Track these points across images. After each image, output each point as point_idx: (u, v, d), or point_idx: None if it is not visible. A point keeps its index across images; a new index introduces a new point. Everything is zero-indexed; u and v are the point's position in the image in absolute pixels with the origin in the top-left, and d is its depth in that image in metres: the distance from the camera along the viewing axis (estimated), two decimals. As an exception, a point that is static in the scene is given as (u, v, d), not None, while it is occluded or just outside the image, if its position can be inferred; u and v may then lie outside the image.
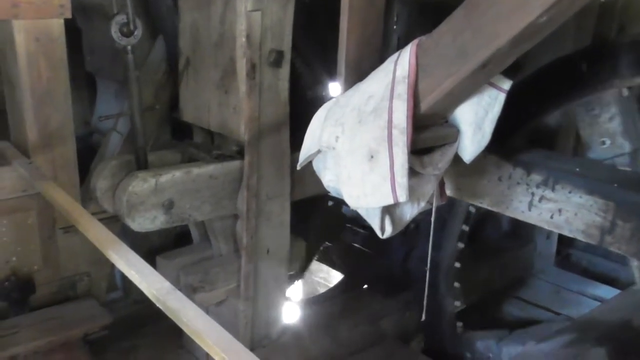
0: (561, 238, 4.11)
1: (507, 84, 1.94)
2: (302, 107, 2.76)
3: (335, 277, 4.89)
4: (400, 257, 3.71)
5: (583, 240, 2.22)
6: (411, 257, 3.59)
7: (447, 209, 3.11)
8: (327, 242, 4.20)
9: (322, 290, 5.06)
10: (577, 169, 2.29)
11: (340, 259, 4.34)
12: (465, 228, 3.29)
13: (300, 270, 3.70)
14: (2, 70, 2.80)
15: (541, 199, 2.29)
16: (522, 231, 3.98)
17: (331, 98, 2.10)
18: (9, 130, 2.89)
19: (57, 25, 2.62)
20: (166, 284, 1.71)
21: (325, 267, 5.11)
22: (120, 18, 2.44)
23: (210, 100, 2.70)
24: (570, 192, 2.21)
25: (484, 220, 3.90)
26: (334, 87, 3.22)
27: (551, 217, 2.27)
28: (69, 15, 2.62)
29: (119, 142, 3.07)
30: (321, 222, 3.82)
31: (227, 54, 2.54)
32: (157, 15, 2.94)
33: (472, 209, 3.24)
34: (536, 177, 2.31)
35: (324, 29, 2.92)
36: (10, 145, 2.80)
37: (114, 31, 2.44)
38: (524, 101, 2.59)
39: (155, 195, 2.48)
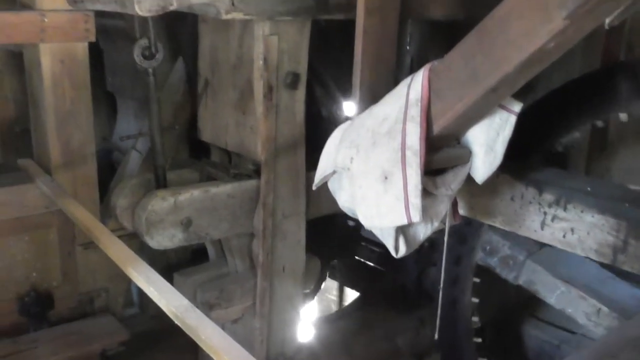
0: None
1: (517, 107, 1.98)
2: (317, 127, 2.82)
3: (349, 295, 4.91)
4: (414, 275, 3.73)
5: (596, 259, 2.24)
6: (426, 274, 3.61)
7: (466, 223, 3.12)
8: (341, 260, 4.23)
9: (336, 308, 5.09)
10: (589, 189, 2.31)
11: (355, 277, 4.36)
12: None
13: (314, 289, 3.73)
14: (28, 90, 2.89)
15: (553, 218, 2.32)
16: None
17: (346, 118, 2.15)
18: (33, 149, 2.97)
19: (81, 48, 2.71)
20: (184, 302, 1.75)
21: (339, 285, 5.14)
22: (143, 42, 2.51)
23: (228, 121, 2.75)
24: (582, 212, 2.23)
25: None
26: (349, 107, 3.27)
27: (564, 237, 2.29)
28: (93, 38, 2.70)
29: (139, 161, 3.13)
30: (336, 240, 3.85)
31: (245, 76, 2.60)
32: (177, 38, 3.01)
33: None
34: (548, 197, 2.33)
35: (338, 50, 2.98)
36: (34, 163, 2.88)
37: (137, 54, 2.51)
38: (538, 122, 2.62)
39: (174, 213, 2.54)
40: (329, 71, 3.36)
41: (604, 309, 2.64)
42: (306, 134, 2.75)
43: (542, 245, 2.76)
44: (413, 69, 2.85)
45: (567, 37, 1.57)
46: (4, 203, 2.69)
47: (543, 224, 2.37)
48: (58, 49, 2.66)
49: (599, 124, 2.90)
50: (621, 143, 3.96)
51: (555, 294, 2.80)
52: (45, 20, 2.59)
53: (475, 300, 3.27)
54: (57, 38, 2.63)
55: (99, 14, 2.70)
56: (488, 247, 3.03)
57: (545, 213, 2.36)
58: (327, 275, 4.04)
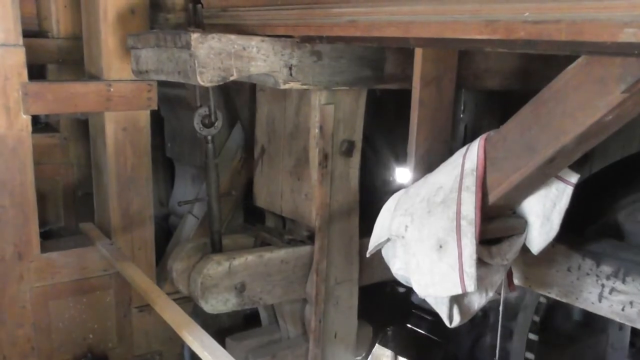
0: (634, 330, 3.97)
1: (574, 178, 1.97)
2: (371, 194, 2.84)
3: (400, 363, 4.82)
4: (467, 345, 3.66)
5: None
6: (479, 345, 3.54)
7: (518, 298, 3.08)
8: (394, 328, 4.18)
9: (387, 376, 4.98)
10: (647, 261, 2.26)
11: (408, 346, 4.29)
12: (536, 318, 3.24)
13: (366, 356, 3.68)
14: (92, 156, 3.00)
15: (612, 290, 2.27)
16: (594, 321, 3.87)
17: (400, 186, 2.17)
18: (94, 212, 3.06)
19: (143, 116, 2.82)
20: (238, 366, 1.77)
21: (390, 353, 5.05)
22: (203, 110, 2.59)
23: (283, 187, 2.80)
24: (641, 285, 2.18)
25: (554, 309, 3.82)
26: (402, 174, 3.29)
27: (622, 310, 2.23)
28: (155, 107, 2.81)
29: (195, 226, 3.20)
30: (388, 307, 3.82)
31: (301, 143, 2.66)
32: (235, 106, 3.11)
33: (543, 299, 3.19)
34: (606, 269, 2.29)
35: (393, 118, 3.02)
36: (94, 227, 2.97)
37: (197, 122, 2.59)
38: (596, 194, 2.60)
39: (228, 278, 2.57)
40: (383, 139, 3.41)
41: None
42: (360, 201, 2.77)
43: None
44: (466, 138, 2.87)
45: (625, 110, 1.57)
46: (65, 265, 2.77)
47: (601, 297, 2.31)
48: (122, 116, 2.78)
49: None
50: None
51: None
52: (111, 90, 2.71)
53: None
54: (122, 107, 2.75)
55: (161, 84, 2.82)
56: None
57: (603, 285, 2.31)
58: (378, 342, 3.98)
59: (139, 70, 2.53)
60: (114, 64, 2.74)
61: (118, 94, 2.71)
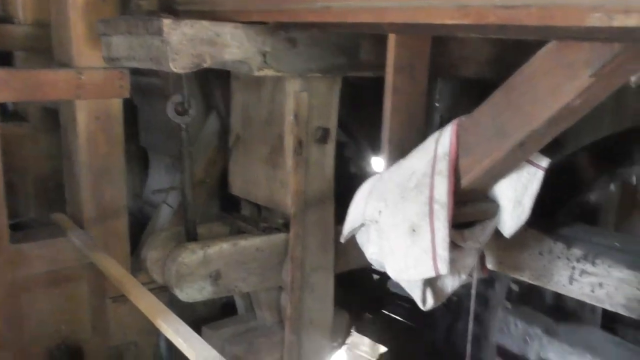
0: (605, 312, 4.04)
1: (545, 162, 2.00)
2: (346, 182, 2.85)
3: (378, 350, 4.85)
4: (443, 330, 3.70)
5: (624, 314, 2.22)
6: (454, 330, 3.58)
7: (488, 285, 3.12)
8: (369, 315, 4.21)
9: (364, 363, 5.02)
10: (617, 244, 2.31)
11: (384, 332, 4.32)
12: (508, 305, 3.28)
13: (342, 342, 3.70)
14: (63, 146, 2.96)
15: (582, 273, 2.31)
16: (566, 305, 3.93)
17: (374, 173, 2.18)
18: (66, 203, 3.03)
19: (116, 105, 2.79)
20: (213, 353, 1.77)
21: (368, 341, 5.09)
22: (176, 98, 2.58)
23: (258, 175, 2.80)
24: (610, 267, 2.22)
25: (526, 294, 3.87)
26: (377, 163, 3.30)
27: (592, 291, 2.28)
28: (127, 95, 2.78)
29: (170, 215, 3.18)
30: (363, 294, 3.84)
31: (276, 131, 2.65)
32: (209, 94, 3.09)
33: (514, 287, 3.23)
34: (576, 252, 2.33)
35: (369, 107, 3.03)
36: (66, 217, 2.93)
37: (170, 110, 2.57)
38: (567, 178, 2.64)
39: (203, 266, 2.56)
40: (360, 127, 3.41)
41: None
42: (335, 189, 2.78)
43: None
44: (442, 127, 2.89)
45: (593, 94, 1.60)
46: (37, 256, 2.74)
47: (571, 279, 2.36)
48: (93, 105, 2.74)
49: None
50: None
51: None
52: (82, 77, 2.67)
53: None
54: (93, 95, 2.71)
55: (134, 72, 2.79)
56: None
57: (573, 268, 2.35)
58: (355, 329, 4.01)
59: (110, 57, 2.50)
60: (84, 51, 2.69)
61: (89, 81, 2.67)
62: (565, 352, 2.83)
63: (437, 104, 3.34)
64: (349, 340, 3.95)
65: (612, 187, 3.08)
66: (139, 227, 3.33)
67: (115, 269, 2.45)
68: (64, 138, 2.93)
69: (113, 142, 2.82)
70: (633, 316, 2.19)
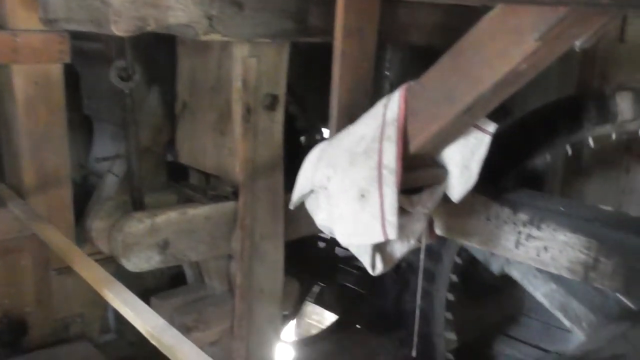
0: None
1: (492, 127, 2.02)
2: (296, 150, 2.83)
3: (329, 318, 4.90)
4: (393, 295, 3.74)
5: (568, 276, 2.28)
6: (404, 295, 3.62)
7: (441, 244, 3.15)
8: (320, 283, 4.23)
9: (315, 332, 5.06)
10: (562, 209, 2.36)
11: (334, 300, 4.35)
12: (459, 261, 3.33)
13: (293, 311, 3.72)
14: (0, 112, 2.85)
15: (528, 237, 2.35)
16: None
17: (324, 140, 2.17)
18: (4, 172, 2.93)
19: (56, 70, 2.68)
20: (161, 321, 1.74)
21: (318, 309, 5.13)
22: (119, 63, 2.51)
23: (206, 143, 2.76)
24: (555, 231, 2.27)
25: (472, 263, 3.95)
26: (328, 132, 3.29)
27: (537, 255, 2.33)
28: (68, 59, 2.68)
29: (115, 184, 3.11)
30: (314, 263, 3.85)
31: (223, 97, 2.61)
32: (156, 61, 3.01)
33: (459, 260, 3.28)
34: (522, 216, 2.37)
35: (318, 74, 3.00)
36: (5, 187, 2.84)
37: (113, 75, 2.50)
38: (513, 144, 2.67)
39: (150, 235, 2.52)
40: (311, 98, 3.38)
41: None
42: (286, 162, 2.76)
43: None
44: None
45: (539, 58, 1.61)
46: (-26, 228, 2.65)
47: (518, 243, 2.40)
48: (32, 70, 2.63)
49: (570, 147, 2.96)
50: (595, 167, 4.03)
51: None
52: (18, 40, 2.55)
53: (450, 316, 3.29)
54: (31, 59, 2.60)
55: (75, 37, 2.70)
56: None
57: (519, 232, 2.40)
58: (307, 298, 4.03)
59: (47, 19, 2.40)
60: (19, 11, 2.56)
61: (26, 45, 2.56)
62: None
63: (387, 73, 3.35)
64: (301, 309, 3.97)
65: (559, 152, 3.14)
66: (84, 197, 3.24)
67: (59, 240, 2.38)
68: (1, 105, 2.82)
69: (54, 109, 2.72)
70: (576, 279, 2.24)
